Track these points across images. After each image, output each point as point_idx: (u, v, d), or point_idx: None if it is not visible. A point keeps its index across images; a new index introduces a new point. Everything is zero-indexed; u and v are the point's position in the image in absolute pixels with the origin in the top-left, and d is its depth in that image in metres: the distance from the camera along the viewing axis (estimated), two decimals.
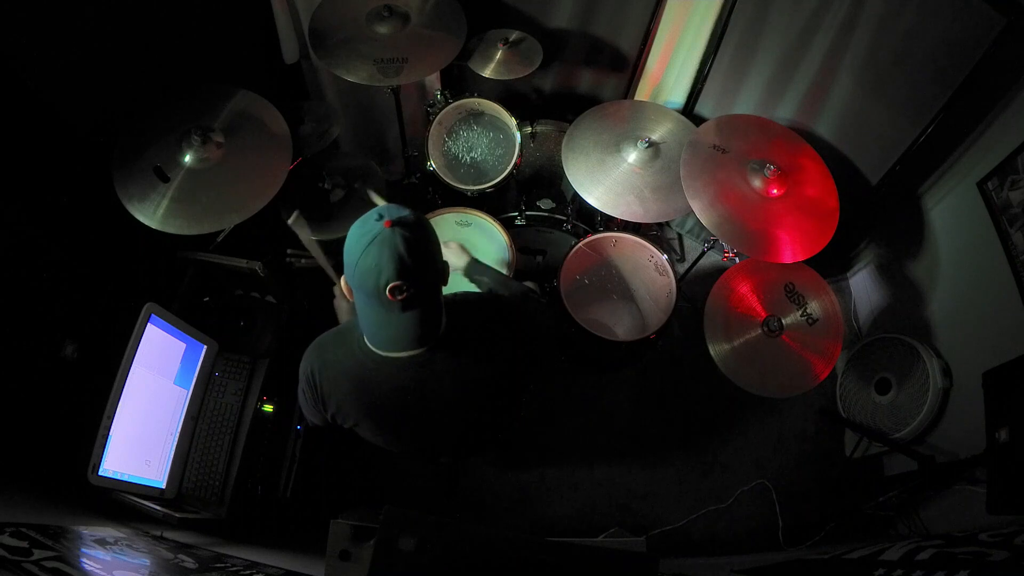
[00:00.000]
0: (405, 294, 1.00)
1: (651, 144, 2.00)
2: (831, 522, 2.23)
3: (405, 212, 1.01)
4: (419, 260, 1.00)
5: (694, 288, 2.58)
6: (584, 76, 2.52)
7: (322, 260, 1.40)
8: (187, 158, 1.72)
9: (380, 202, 1.66)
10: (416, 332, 1.09)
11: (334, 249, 1.98)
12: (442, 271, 1.09)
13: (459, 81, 2.53)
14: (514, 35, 2.20)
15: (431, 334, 1.12)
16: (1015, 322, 1.78)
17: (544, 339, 1.34)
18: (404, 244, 0.97)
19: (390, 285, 0.98)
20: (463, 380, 1.20)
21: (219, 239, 1.89)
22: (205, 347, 1.84)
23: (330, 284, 1.42)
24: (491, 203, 2.18)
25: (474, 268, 1.57)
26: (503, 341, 1.24)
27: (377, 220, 0.99)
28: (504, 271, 1.96)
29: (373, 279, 0.98)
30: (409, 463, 2.31)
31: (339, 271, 1.13)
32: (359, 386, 1.18)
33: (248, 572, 1.35)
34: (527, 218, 2.21)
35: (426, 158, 2.15)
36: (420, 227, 1.02)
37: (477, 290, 1.55)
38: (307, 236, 1.36)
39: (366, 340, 1.13)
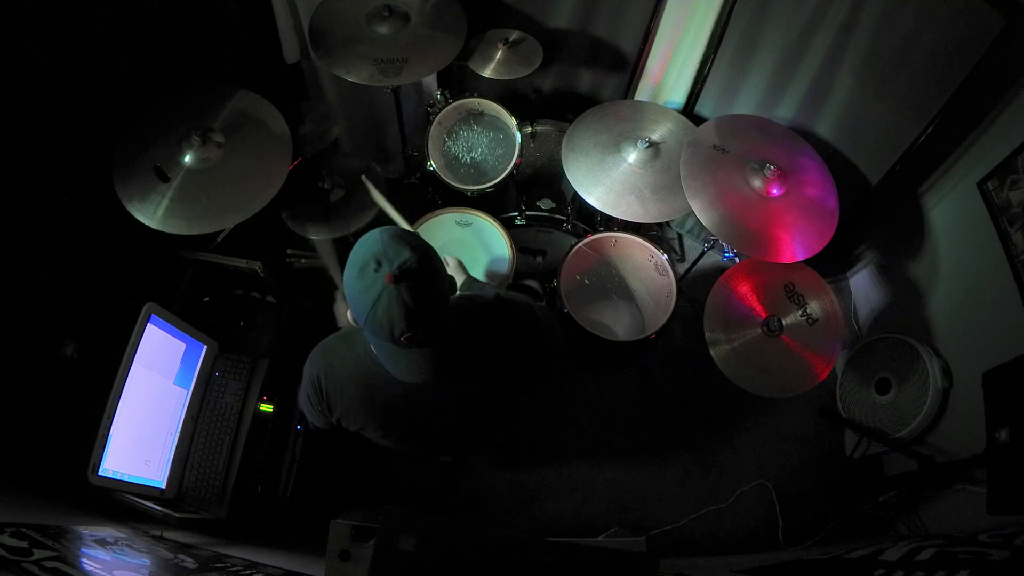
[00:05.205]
0: (419, 337, 1.00)
1: (651, 144, 2.00)
2: (831, 522, 2.23)
3: (404, 255, 0.96)
4: (428, 304, 0.98)
5: (694, 288, 2.58)
6: (584, 76, 2.52)
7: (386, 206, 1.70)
8: (187, 158, 1.72)
9: (378, 199, 1.73)
10: (431, 364, 1.07)
11: (334, 249, 1.99)
12: (449, 298, 1.08)
13: (459, 81, 2.53)
14: (514, 35, 2.20)
15: (446, 363, 1.09)
16: (1015, 322, 1.78)
17: (552, 343, 1.33)
18: (411, 296, 0.95)
19: (403, 336, 0.97)
20: (470, 384, 1.20)
21: (219, 239, 1.89)
22: (205, 347, 1.84)
23: (331, 282, 1.42)
24: (491, 203, 2.17)
25: (470, 286, 1.53)
26: (510, 345, 1.23)
27: (376, 271, 0.95)
28: (504, 270, 1.96)
29: (386, 332, 0.98)
30: (409, 463, 2.32)
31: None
32: (366, 392, 1.18)
33: (248, 572, 1.35)
34: (527, 218, 2.21)
35: (426, 158, 2.15)
36: (424, 269, 0.97)
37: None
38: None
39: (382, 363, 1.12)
